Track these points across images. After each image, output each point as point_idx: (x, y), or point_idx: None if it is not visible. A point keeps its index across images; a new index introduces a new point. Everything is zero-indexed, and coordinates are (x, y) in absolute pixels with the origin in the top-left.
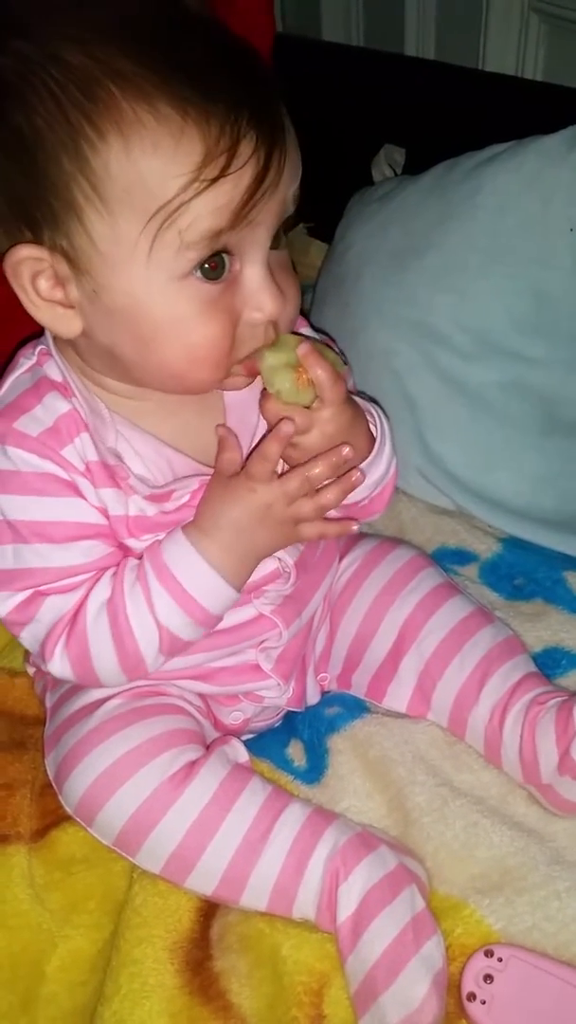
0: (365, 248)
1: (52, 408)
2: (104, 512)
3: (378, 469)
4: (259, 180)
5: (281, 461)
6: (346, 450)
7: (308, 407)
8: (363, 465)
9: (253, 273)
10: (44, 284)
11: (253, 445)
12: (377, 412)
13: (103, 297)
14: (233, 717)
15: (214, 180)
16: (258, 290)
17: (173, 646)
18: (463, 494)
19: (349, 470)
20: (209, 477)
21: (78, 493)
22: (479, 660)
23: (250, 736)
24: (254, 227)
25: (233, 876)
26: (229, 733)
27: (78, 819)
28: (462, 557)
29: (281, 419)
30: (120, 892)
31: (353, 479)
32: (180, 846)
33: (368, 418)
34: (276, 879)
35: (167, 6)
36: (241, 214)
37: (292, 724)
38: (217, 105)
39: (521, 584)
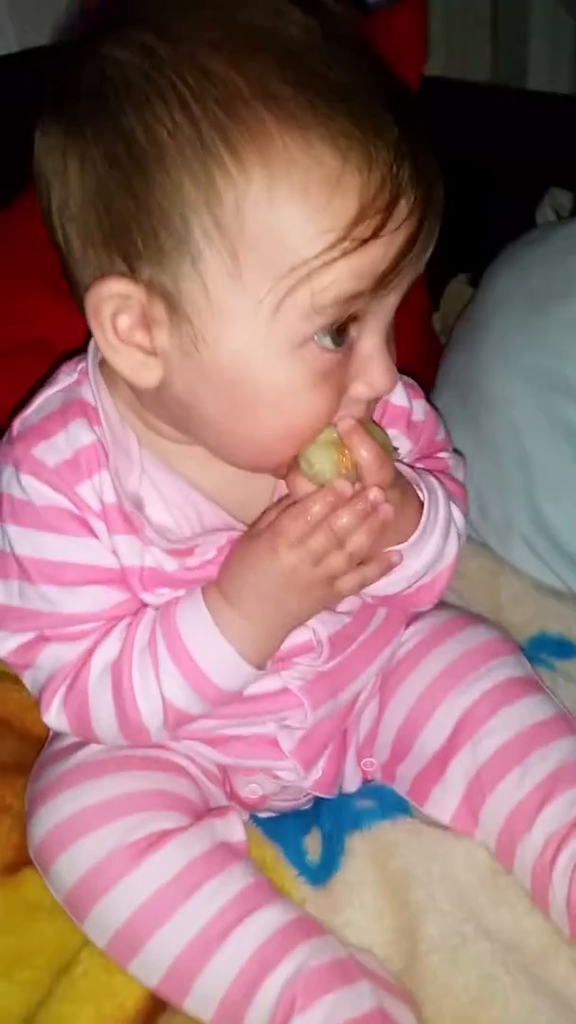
0: (504, 292)
1: (75, 438)
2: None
3: (425, 554)
4: (411, 244)
5: None
6: (376, 495)
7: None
8: (404, 547)
9: (371, 343)
10: (125, 323)
11: None
12: (437, 492)
13: (203, 352)
14: (250, 790)
15: (365, 241)
16: (374, 363)
17: (180, 720)
18: (574, 571)
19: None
20: (240, 534)
21: (91, 533)
22: (544, 777)
23: (270, 814)
24: (388, 296)
25: (179, 974)
26: (246, 807)
27: (36, 865)
28: (563, 649)
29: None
30: (73, 954)
31: (391, 558)
32: (127, 924)
33: (421, 497)
34: (226, 990)
35: (323, 19)
36: (385, 281)
37: (320, 809)
38: (381, 152)
39: None
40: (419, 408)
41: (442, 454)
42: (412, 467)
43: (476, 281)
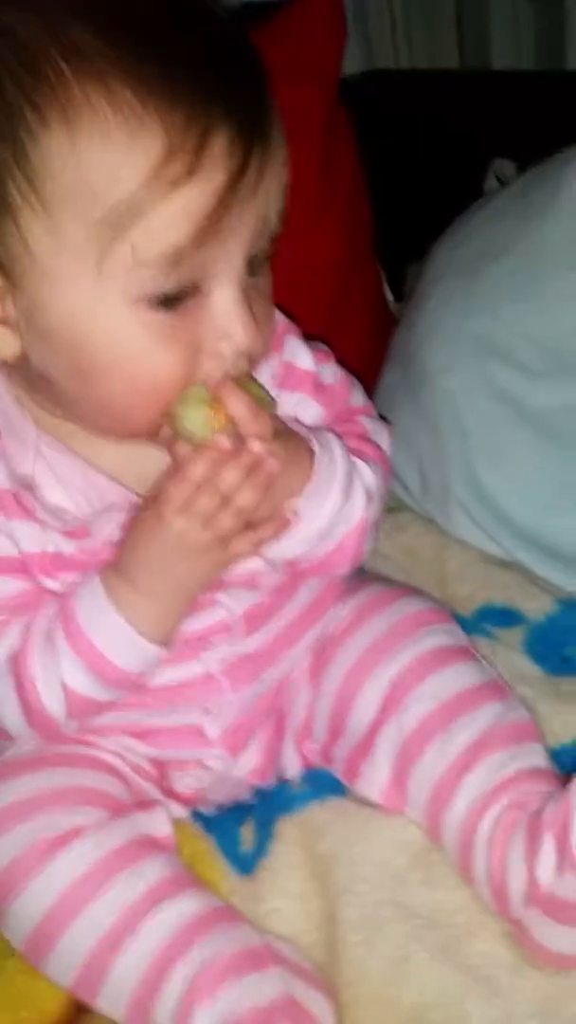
0: (443, 262)
1: None
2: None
3: (324, 510)
4: (232, 184)
5: None
6: (257, 447)
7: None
8: (298, 503)
9: (223, 297)
10: None
11: None
12: (333, 448)
13: (37, 317)
14: (185, 784)
15: (177, 183)
16: (228, 317)
17: (86, 709)
18: (515, 539)
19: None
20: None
21: None
22: (469, 743)
23: (212, 810)
24: (225, 243)
25: (90, 972)
26: (184, 802)
27: None
28: (507, 617)
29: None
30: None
31: (284, 517)
32: (40, 923)
33: (320, 455)
34: (134, 986)
35: None
36: (208, 226)
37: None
38: (186, 91)
39: (571, 656)
40: (328, 372)
41: (361, 418)
42: (307, 427)
43: None
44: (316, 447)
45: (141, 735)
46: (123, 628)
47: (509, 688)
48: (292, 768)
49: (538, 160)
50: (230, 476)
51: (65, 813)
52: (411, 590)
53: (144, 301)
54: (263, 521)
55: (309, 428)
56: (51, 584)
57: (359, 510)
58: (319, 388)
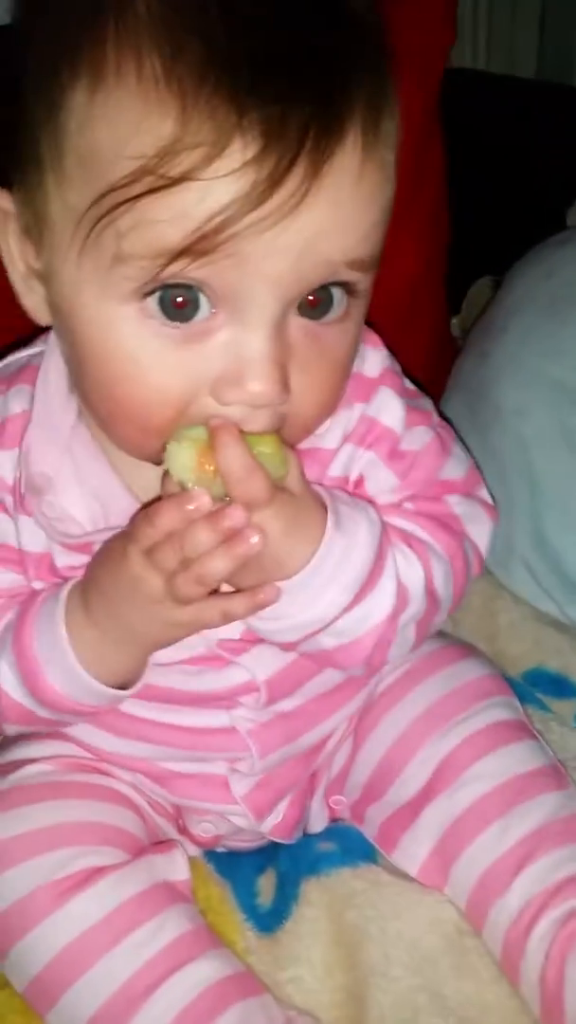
0: (524, 295)
1: (8, 405)
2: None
3: (319, 604)
4: (253, 200)
5: None
6: (238, 515)
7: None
8: (287, 584)
9: (241, 336)
10: (13, 241)
11: None
12: (357, 534)
13: (51, 283)
14: (202, 828)
15: (174, 180)
16: (241, 361)
17: (22, 717)
18: None
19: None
20: None
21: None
22: (527, 834)
23: (225, 850)
24: (245, 269)
25: None
26: (198, 844)
27: None
28: (560, 687)
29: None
30: None
31: (262, 595)
32: (46, 970)
33: (331, 540)
34: None
35: None
36: (213, 239)
37: (279, 847)
38: (221, 78)
39: None
40: (415, 435)
41: (450, 497)
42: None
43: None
44: (329, 528)
45: (160, 779)
46: (67, 654)
47: (566, 773)
48: (318, 822)
49: None
50: (198, 538)
51: (82, 851)
52: (468, 649)
53: (133, 303)
54: (240, 593)
55: (354, 499)
56: (38, 586)
57: (380, 611)
58: (396, 453)
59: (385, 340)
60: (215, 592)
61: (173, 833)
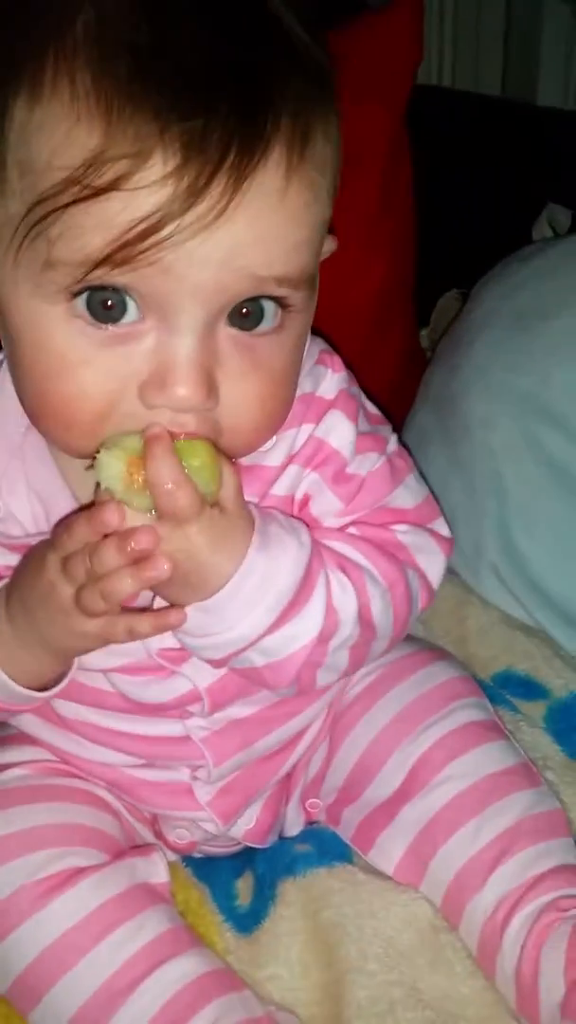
0: (491, 308)
1: None
2: None
3: (240, 625)
4: (173, 211)
5: None
6: (146, 539)
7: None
8: (194, 608)
9: (178, 344)
10: None
11: None
12: (282, 556)
13: None
14: (177, 835)
15: (99, 190)
16: (166, 365)
17: None
18: (546, 609)
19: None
20: None
21: None
22: (501, 832)
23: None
24: (169, 277)
25: None
26: (174, 851)
27: None
28: (529, 689)
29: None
30: None
31: (169, 618)
32: (29, 970)
33: (252, 563)
34: None
35: None
36: (134, 248)
37: (255, 851)
38: (145, 94)
39: None
40: (364, 461)
41: (398, 526)
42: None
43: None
44: (252, 549)
45: (129, 788)
46: None
47: (537, 772)
48: (294, 825)
49: None
50: (105, 556)
51: (64, 852)
52: (439, 652)
53: (61, 303)
54: (149, 611)
55: (289, 521)
56: None
57: (306, 634)
58: (341, 477)
59: (357, 351)
60: (130, 607)
61: (150, 838)
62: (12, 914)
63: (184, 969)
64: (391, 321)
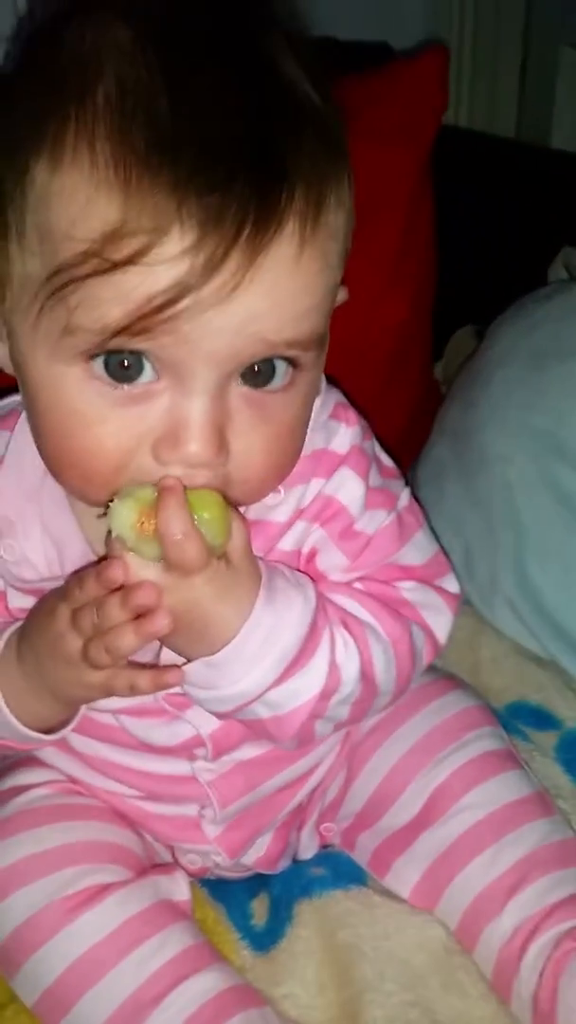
0: (508, 346)
1: None
2: None
3: (244, 681)
4: (192, 284)
5: None
6: (149, 594)
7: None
8: (195, 666)
9: (191, 405)
10: None
11: None
12: (288, 611)
13: (12, 338)
14: (189, 860)
15: (117, 264)
16: (179, 424)
17: None
18: (557, 640)
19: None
20: None
21: None
22: (518, 860)
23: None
24: (186, 343)
25: None
26: (190, 874)
27: None
28: (541, 720)
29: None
30: None
31: (166, 677)
32: (57, 983)
33: (258, 618)
34: None
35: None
36: (152, 318)
37: (269, 875)
38: (163, 170)
39: None
40: (373, 518)
41: (404, 583)
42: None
43: (483, 333)
44: (258, 604)
45: (136, 819)
46: None
47: (552, 800)
48: (308, 848)
49: None
50: (109, 612)
51: (90, 869)
52: (455, 682)
53: (78, 364)
54: (149, 668)
55: (295, 576)
56: None
57: (309, 690)
58: (348, 533)
59: (376, 386)
60: (135, 661)
61: (168, 857)
62: (41, 929)
63: (207, 984)
64: (409, 356)
